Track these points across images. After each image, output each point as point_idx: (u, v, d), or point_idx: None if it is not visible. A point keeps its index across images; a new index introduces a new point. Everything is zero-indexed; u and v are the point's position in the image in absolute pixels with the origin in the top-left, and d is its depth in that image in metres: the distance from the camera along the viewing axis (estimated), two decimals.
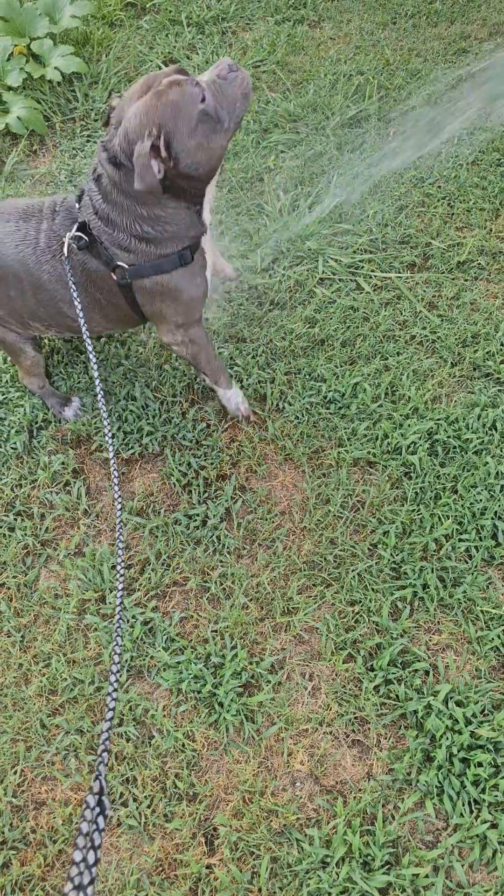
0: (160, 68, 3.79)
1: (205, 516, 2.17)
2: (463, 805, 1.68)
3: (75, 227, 1.85)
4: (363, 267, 2.78)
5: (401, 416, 2.32)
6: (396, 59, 3.69)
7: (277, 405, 2.39)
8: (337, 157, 3.19)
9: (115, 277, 1.88)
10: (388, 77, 3.57)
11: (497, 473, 2.17)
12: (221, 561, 2.09)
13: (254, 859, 1.65)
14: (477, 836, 1.64)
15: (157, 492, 2.24)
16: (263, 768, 1.77)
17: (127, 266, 1.85)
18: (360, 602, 1.99)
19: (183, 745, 1.80)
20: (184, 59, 3.81)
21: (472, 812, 1.68)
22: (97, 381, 1.74)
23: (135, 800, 1.74)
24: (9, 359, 2.58)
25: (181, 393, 2.45)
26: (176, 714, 1.85)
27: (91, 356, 1.72)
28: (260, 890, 1.61)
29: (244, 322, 2.62)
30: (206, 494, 2.22)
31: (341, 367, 2.46)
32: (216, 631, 1.97)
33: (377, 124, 3.33)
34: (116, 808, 1.73)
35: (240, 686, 1.87)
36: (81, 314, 1.81)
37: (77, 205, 1.90)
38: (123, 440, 2.34)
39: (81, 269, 1.91)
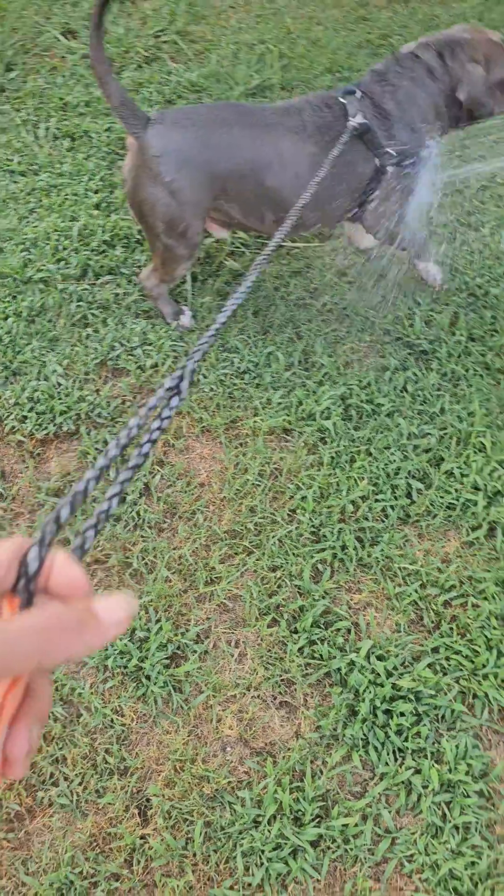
0: (58, 39, 3.68)
1: (123, 493, 2.15)
2: (388, 754, 1.73)
3: (359, 115, 2.01)
4: None
5: (314, 382, 2.35)
6: (297, 27, 3.69)
7: (192, 378, 2.38)
8: None
9: (377, 163, 2.08)
10: (289, 46, 3.57)
11: (409, 434, 2.23)
12: (142, 536, 2.08)
13: (187, 826, 1.67)
14: (402, 782, 1.70)
15: (74, 471, 2.21)
16: (193, 736, 1.79)
17: (394, 153, 2.03)
18: (282, 567, 2.01)
19: (112, 721, 1.80)
20: (82, 31, 3.71)
21: (396, 760, 1.73)
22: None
23: (65, 778, 1.73)
24: (155, 262, 2.37)
25: (94, 370, 2.41)
26: (103, 690, 1.84)
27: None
28: (195, 854, 1.63)
29: None
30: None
31: (254, 337, 2.47)
32: (140, 605, 1.96)
33: (281, 93, 3.32)
34: (47, 788, 1.71)
35: (166, 658, 1.87)
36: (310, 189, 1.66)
37: (343, 100, 2.07)
38: (37, 421, 2.29)
39: (342, 154, 1.91)
